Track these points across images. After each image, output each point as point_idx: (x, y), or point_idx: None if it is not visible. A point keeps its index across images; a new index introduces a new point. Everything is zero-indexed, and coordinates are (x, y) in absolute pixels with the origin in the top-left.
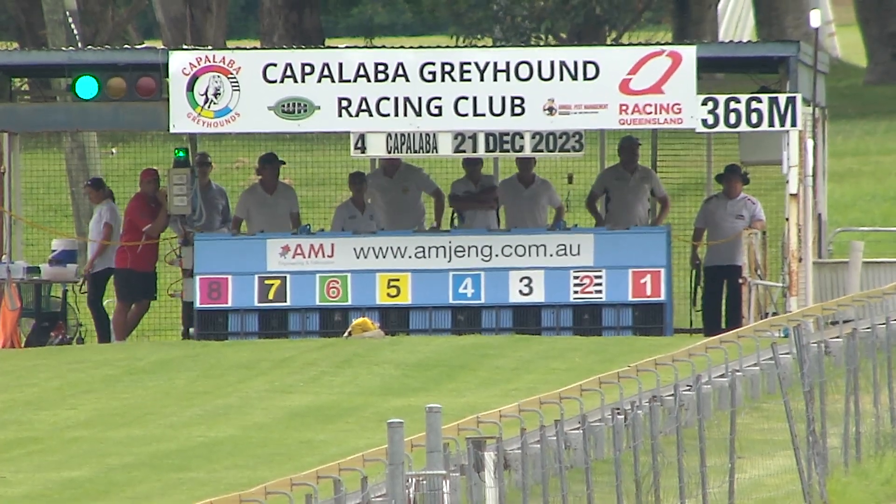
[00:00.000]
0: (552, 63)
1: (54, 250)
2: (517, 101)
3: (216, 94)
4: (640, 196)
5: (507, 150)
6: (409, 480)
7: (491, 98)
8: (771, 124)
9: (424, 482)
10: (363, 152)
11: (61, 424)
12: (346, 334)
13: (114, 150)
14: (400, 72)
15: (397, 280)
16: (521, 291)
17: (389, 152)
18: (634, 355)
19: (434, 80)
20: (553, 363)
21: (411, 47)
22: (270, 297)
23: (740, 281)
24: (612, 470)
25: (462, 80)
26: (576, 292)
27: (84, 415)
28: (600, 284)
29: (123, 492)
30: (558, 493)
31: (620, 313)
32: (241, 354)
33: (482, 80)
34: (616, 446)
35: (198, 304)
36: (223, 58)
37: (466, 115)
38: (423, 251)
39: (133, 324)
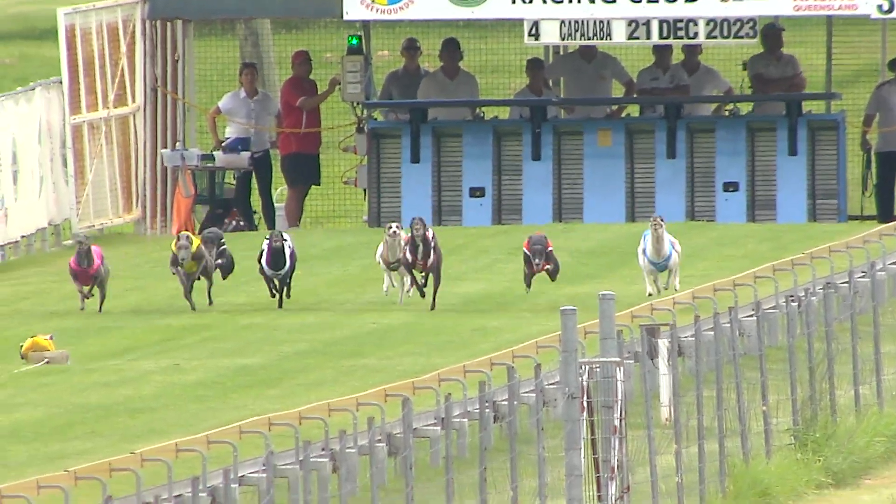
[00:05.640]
0: None
1: (228, 137)
2: None
3: None
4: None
5: (681, 38)
6: (583, 367)
7: None
8: None
9: (598, 369)
10: (537, 39)
11: (235, 312)
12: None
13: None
14: None
15: None
16: None
17: (563, 39)
18: (808, 242)
19: None
20: (727, 250)
21: None
22: None
23: None
24: (785, 357)
25: None
26: None
27: (257, 302)
28: None
29: (296, 378)
30: (732, 381)
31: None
32: None
33: None
34: (790, 333)
35: None
36: None
37: (640, 1)
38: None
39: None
